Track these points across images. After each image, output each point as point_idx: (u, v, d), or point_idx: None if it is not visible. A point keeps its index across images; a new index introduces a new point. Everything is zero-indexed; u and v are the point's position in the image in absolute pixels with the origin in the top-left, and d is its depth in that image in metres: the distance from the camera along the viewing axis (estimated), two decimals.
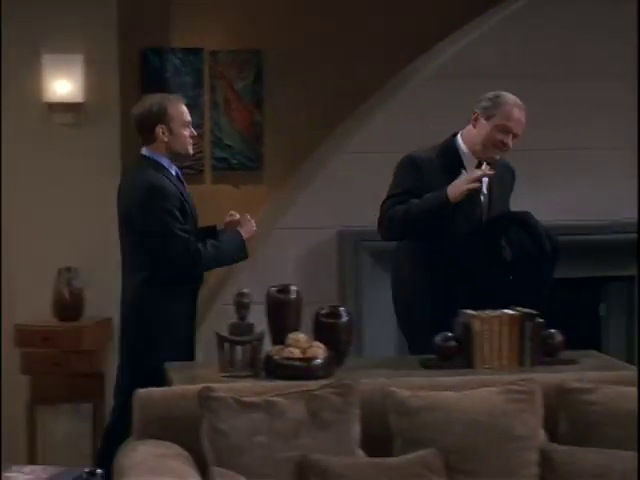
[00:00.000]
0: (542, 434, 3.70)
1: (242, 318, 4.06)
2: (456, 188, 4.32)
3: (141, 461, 3.38)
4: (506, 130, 4.38)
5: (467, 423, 3.58)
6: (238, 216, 4.59)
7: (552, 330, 4.26)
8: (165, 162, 4.47)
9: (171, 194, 4.38)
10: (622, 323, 6.01)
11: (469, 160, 4.45)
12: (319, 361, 3.91)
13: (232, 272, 5.60)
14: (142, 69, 6.13)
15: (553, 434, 3.74)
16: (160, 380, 4.01)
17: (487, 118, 4.40)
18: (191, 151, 4.57)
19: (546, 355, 4.22)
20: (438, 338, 4.17)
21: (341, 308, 4.20)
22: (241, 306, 4.06)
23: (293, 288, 4.20)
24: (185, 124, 4.50)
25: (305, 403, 3.53)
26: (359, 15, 6.11)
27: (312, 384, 3.67)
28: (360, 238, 5.62)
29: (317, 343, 3.99)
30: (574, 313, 5.84)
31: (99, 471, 3.41)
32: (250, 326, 4.04)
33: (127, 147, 5.43)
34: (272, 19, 6.09)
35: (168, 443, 3.52)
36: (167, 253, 4.34)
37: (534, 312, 4.25)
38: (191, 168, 5.87)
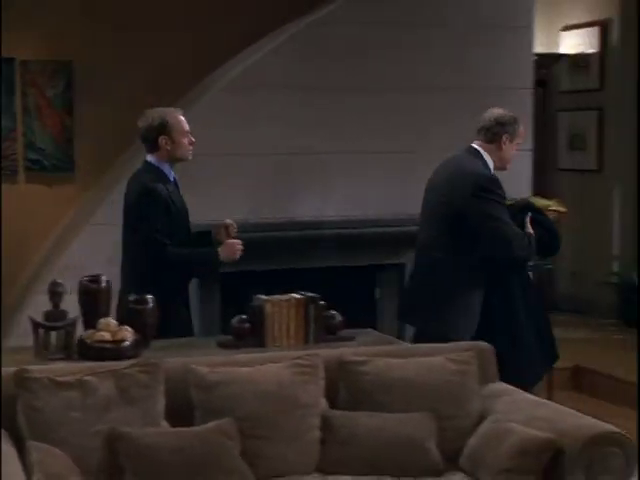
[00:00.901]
0: (324, 402, 3.81)
1: (56, 306, 4.07)
2: None
3: None
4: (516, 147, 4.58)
5: (259, 394, 3.66)
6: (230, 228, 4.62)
7: (333, 312, 4.43)
8: (165, 169, 4.59)
9: (160, 197, 4.47)
10: (394, 305, 6.22)
11: None
12: (127, 343, 3.97)
13: (48, 263, 5.56)
14: None
15: (334, 401, 3.85)
16: None
17: (511, 140, 4.61)
18: (190, 157, 4.63)
19: (328, 333, 4.37)
20: (234, 320, 4.29)
21: (148, 296, 4.25)
22: (55, 294, 4.07)
23: (103, 278, 4.24)
24: (184, 133, 4.58)
25: (115, 381, 3.56)
26: (166, 30, 6.12)
27: (121, 364, 3.69)
28: None
29: (126, 327, 4.04)
30: (354, 297, 6.01)
31: None
32: (63, 313, 4.05)
33: None
34: (81, 32, 6.04)
35: None
36: (141, 247, 4.47)
37: (317, 296, 4.42)
38: (6, 169, 5.79)
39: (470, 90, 5.94)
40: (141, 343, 4.05)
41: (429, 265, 4.71)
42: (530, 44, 6.07)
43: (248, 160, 5.65)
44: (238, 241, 4.55)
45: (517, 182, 5.84)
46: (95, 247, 5.62)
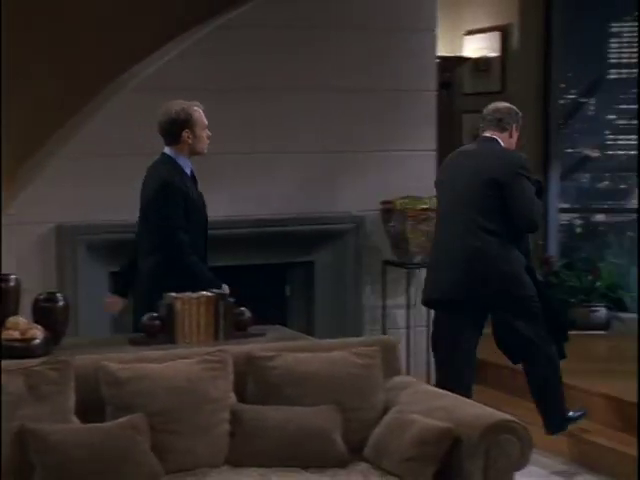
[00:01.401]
0: (233, 396, 3.87)
1: None
2: None
3: None
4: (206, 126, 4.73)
5: (169, 390, 3.69)
6: None
7: (242, 308, 4.49)
8: (183, 162, 4.62)
9: (178, 191, 4.53)
10: (304, 302, 6.30)
11: None
12: (37, 341, 3.97)
13: None
14: None
15: (243, 396, 3.91)
16: None
17: (517, 129, 5.08)
18: (206, 151, 4.69)
19: (238, 330, 4.43)
20: (144, 318, 4.32)
21: (58, 294, 4.26)
22: None
23: (12, 277, 4.23)
24: (204, 127, 4.63)
25: (24, 379, 3.56)
26: (72, 31, 6.06)
27: (32, 362, 3.70)
28: (77, 232, 5.67)
29: (36, 325, 4.04)
30: (265, 295, 6.06)
31: None
32: None
33: None
34: None
35: None
36: (161, 241, 4.55)
37: (226, 293, 4.48)
38: None
39: (375, 91, 6.04)
40: (51, 341, 4.05)
41: (473, 247, 4.88)
42: (434, 47, 6.19)
43: None
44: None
45: (421, 182, 5.97)
46: (6, 246, 5.57)
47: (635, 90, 7.46)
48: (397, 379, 4.14)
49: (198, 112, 4.65)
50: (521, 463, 3.61)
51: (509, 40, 7.76)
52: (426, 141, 6.13)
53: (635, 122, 7.45)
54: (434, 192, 5.61)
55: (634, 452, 5.00)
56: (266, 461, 3.72)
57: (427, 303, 5.24)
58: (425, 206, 5.89)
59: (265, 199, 5.94)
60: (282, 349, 4.07)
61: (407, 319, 6.16)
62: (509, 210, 4.85)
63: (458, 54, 8.16)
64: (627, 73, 7.92)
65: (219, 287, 4.54)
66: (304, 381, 3.91)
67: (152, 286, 4.56)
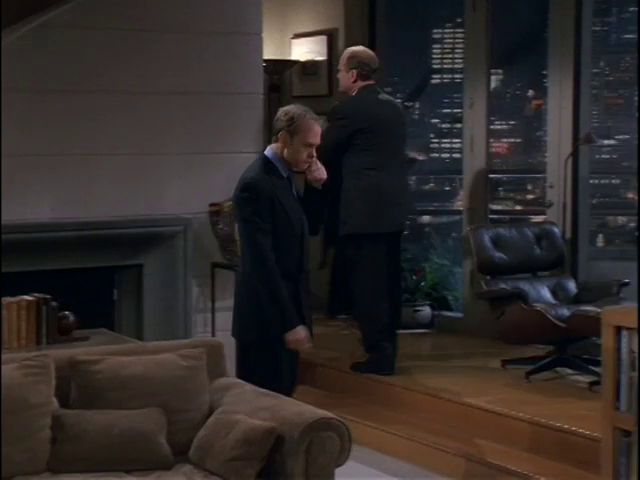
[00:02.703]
0: (55, 401, 3.82)
1: None
2: None
3: None
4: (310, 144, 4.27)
5: None
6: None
7: (66, 312, 4.46)
8: (278, 163, 4.25)
9: (263, 194, 4.18)
10: (132, 305, 6.26)
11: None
12: None
13: None
14: None
15: (66, 401, 3.87)
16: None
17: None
18: (302, 168, 4.29)
19: (61, 334, 4.40)
20: None
21: None
22: None
23: None
24: (307, 144, 4.23)
25: None
26: None
27: None
28: None
29: None
30: (92, 298, 5.99)
31: None
32: None
33: None
34: None
35: None
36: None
37: (49, 297, 4.43)
38: None
39: (203, 94, 6.06)
40: None
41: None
42: (260, 51, 6.25)
43: None
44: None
45: None
46: None
47: (457, 95, 7.75)
48: (223, 380, 4.18)
49: (308, 125, 4.25)
50: (341, 459, 3.70)
51: (335, 44, 7.92)
52: (254, 143, 6.19)
53: (458, 125, 7.74)
54: None
55: (457, 446, 5.19)
56: (89, 466, 3.70)
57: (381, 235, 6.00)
58: None
59: (92, 201, 5.88)
60: (107, 353, 4.06)
61: None
62: None
63: (287, 57, 8.27)
64: (449, 78, 8.20)
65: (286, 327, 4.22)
66: (129, 384, 3.91)
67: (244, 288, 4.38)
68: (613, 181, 7.49)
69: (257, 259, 4.21)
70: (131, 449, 3.75)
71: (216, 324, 6.21)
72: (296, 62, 8.18)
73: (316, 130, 4.25)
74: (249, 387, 4.13)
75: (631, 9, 7.12)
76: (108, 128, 5.85)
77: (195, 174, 6.09)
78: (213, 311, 6.24)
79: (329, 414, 3.74)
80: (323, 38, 8.01)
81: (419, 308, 7.52)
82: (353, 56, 5.99)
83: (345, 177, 5.90)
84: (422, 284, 7.59)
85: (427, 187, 8.65)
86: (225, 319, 6.20)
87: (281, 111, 4.32)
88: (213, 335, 6.13)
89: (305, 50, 8.14)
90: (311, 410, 3.78)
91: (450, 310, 7.73)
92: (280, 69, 8.13)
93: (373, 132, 5.89)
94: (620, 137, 7.35)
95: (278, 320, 4.19)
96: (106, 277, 6.23)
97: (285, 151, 4.25)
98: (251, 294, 4.25)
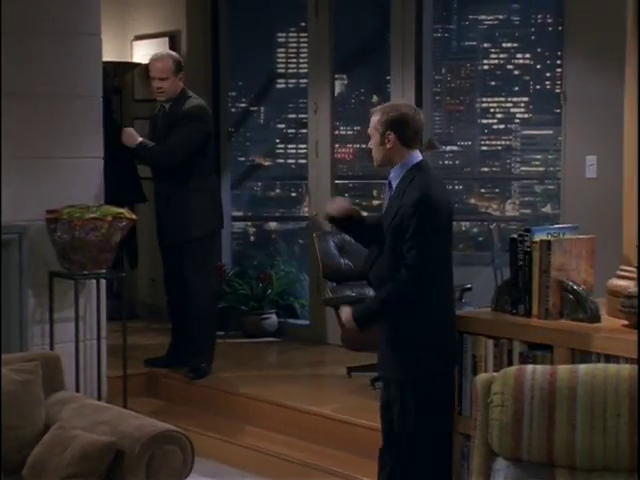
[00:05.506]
0: None
1: None
2: None
3: None
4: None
5: None
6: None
7: None
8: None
9: None
10: None
11: None
12: None
13: None
14: None
15: None
16: None
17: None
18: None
19: None
20: None
21: None
22: None
23: None
24: None
25: None
26: None
27: None
28: None
29: None
30: None
31: None
32: None
33: None
34: None
35: None
36: None
37: None
38: None
39: (39, 96, 5.88)
40: None
41: None
42: (99, 52, 6.12)
43: None
44: None
45: (88, 190, 5.94)
46: None
47: (303, 100, 7.80)
48: (60, 394, 4.10)
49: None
50: (184, 473, 3.67)
51: (178, 46, 7.87)
52: (92, 148, 6.07)
53: (304, 131, 7.79)
54: (101, 200, 5.62)
55: (302, 456, 5.23)
56: None
57: None
58: (93, 215, 5.83)
59: None
60: None
61: (76, 332, 6.06)
62: None
63: (128, 59, 8.17)
64: (294, 83, 8.26)
65: None
66: None
67: None
68: (456, 187, 7.68)
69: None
70: None
71: (55, 336, 6.06)
72: (138, 64, 8.09)
73: None
74: (89, 401, 4.07)
75: (470, 17, 7.33)
76: None
77: (31, 179, 5.92)
78: (51, 322, 6.09)
79: (171, 427, 3.71)
80: (165, 40, 7.96)
81: (265, 316, 7.54)
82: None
83: None
84: (268, 291, 7.61)
85: (273, 193, 8.69)
86: (64, 330, 6.09)
87: (393, 108, 4.14)
88: (52, 347, 5.98)
89: (147, 52, 8.05)
90: (152, 423, 3.73)
91: (297, 318, 7.78)
92: (121, 71, 8.03)
93: None
94: (462, 143, 7.55)
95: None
96: None
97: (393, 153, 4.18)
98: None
